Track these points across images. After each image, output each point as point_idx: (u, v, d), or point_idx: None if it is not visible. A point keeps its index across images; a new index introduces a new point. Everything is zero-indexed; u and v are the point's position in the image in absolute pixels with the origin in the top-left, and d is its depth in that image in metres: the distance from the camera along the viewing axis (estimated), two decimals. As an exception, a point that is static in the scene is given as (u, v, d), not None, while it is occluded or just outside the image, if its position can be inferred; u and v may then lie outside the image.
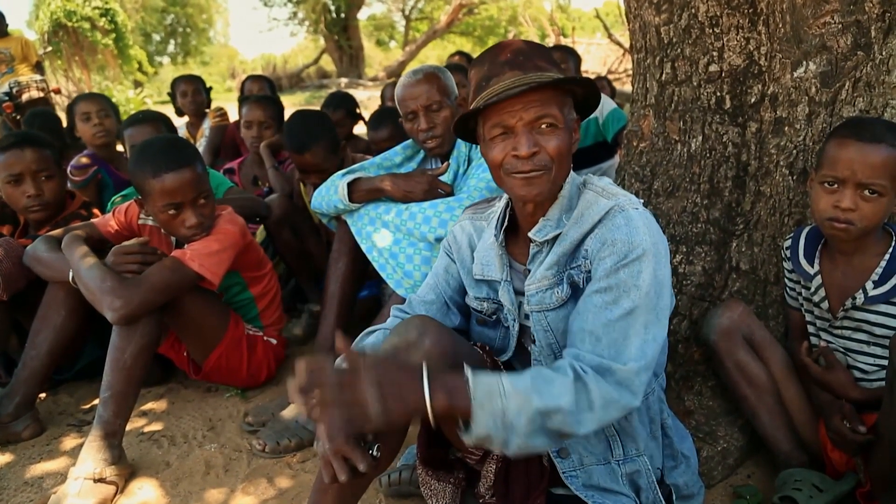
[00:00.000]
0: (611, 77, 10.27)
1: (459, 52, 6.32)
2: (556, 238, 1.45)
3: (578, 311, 1.35)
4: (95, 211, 2.78)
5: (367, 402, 1.15)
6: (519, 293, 1.53)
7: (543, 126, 1.36)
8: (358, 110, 4.29)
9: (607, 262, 1.33)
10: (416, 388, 1.17)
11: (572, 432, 1.24)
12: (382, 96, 4.90)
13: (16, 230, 2.77)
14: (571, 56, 4.06)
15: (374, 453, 1.29)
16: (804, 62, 1.87)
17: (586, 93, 1.45)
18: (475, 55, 6.14)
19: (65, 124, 4.04)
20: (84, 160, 3.51)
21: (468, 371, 1.21)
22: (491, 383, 1.20)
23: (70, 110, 3.71)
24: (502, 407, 1.18)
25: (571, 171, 1.48)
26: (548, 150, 1.37)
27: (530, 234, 1.47)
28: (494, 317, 1.60)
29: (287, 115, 3.72)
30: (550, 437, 1.24)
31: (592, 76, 10.78)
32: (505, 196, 1.57)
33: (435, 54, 28.70)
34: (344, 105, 4.17)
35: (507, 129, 1.38)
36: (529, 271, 1.50)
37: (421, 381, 1.17)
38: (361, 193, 2.38)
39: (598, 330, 1.29)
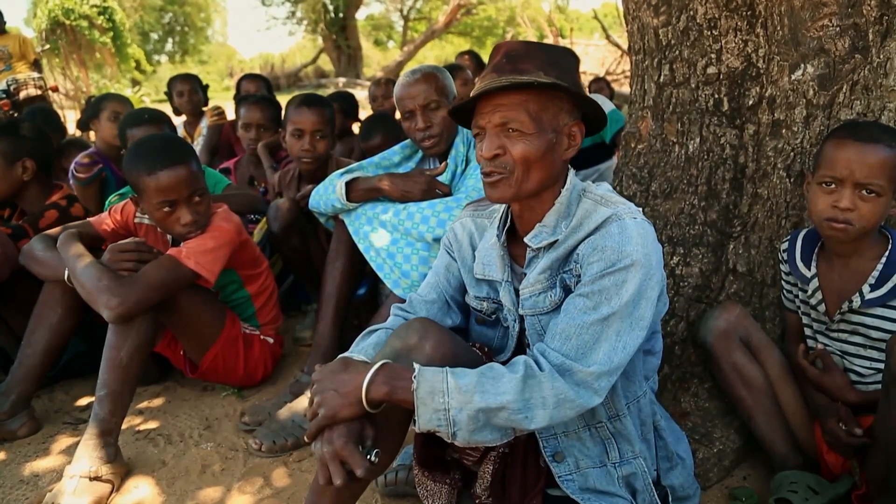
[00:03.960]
0: (609, 78, 10.28)
1: (468, 52, 6.30)
2: (551, 244, 1.45)
3: (560, 310, 1.39)
4: (77, 205, 2.76)
5: (315, 412, 1.30)
6: (518, 293, 1.53)
7: (510, 130, 1.38)
8: (358, 111, 4.32)
9: (594, 268, 1.34)
10: (357, 382, 1.28)
11: (523, 427, 1.30)
12: (370, 93, 4.89)
13: (13, 213, 2.77)
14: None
15: (373, 459, 1.29)
16: (802, 65, 1.87)
17: (575, 97, 1.43)
18: (480, 55, 6.16)
19: (65, 121, 4.05)
20: (86, 158, 3.51)
21: (417, 368, 1.28)
22: (435, 380, 1.27)
23: (97, 107, 3.74)
24: (444, 405, 1.26)
25: (572, 179, 1.47)
26: (512, 154, 1.38)
27: (526, 240, 1.47)
28: (494, 316, 1.60)
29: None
30: (500, 431, 1.30)
31: (590, 77, 10.80)
32: None
33: (433, 55, 28.72)
34: (340, 101, 4.20)
35: (481, 130, 1.42)
36: (525, 275, 1.50)
37: (366, 374, 1.28)
38: (359, 193, 2.38)
39: (569, 330, 1.33)
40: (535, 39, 16.11)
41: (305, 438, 1.34)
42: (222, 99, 12.51)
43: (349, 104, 4.38)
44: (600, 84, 6.43)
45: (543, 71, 1.37)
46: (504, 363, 1.55)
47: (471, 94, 1.42)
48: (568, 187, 1.46)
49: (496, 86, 1.35)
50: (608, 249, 1.33)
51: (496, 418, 1.27)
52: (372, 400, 1.28)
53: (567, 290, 1.42)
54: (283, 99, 4.61)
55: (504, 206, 1.56)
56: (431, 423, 1.27)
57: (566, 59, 1.45)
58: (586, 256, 1.37)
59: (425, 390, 1.26)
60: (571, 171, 1.49)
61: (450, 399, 1.25)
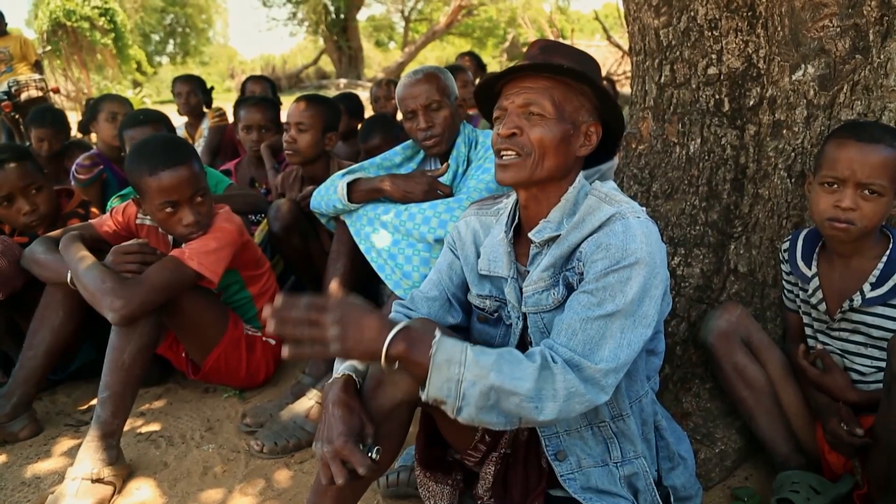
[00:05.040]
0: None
1: (468, 53, 6.32)
2: (554, 240, 1.45)
3: (564, 307, 1.39)
4: (94, 210, 2.77)
5: (327, 339, 1.21)
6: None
7: (531, 113, 1.41)
8: (363, 112, 4.34)
9: (598, 266, 1.34)
10: (379, 332, 1.23)
11: (531, 418, 1.27)
12: (372, 94, 4.89)
13: (15, 228, 2.76)
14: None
15: (374, 456, 1.29)
16: (802, 65, 1.87)
17: (599, 97, 1.46)
18: (481, 56, 6.15)
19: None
20: (87, 160, 3.51)
21: (438, 333, 1.26)
22: (454, 350, 1.24)
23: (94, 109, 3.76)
24: (458, 375, 1.23)
25: (580, 178, 1.49)
26: (529, 136, 1.40)
27: (529, 235, 1.48)
28: (496, 314, 1.60)
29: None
30: (506, 417, 1.27)
31: (591, 78, 10.77)
32: (514, 193, 1.57)
33: (434, 55, 28.73)
34: (345, 102, 4.21)
35: (503, 112, 1.45)
36: (528, 272, 1.50)
37: (390, 329, 1.24)
38: (361, 194, 2.38)
39: (575, 325, 1.32)
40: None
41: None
42: (223, 100, 12.52)
43: (354, 105, 4.39)
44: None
45: (579, 67, 1.42)
46: None
47: (498, 72, 1.48)
48: (576, 185, 1.47)
49: (526, 64, 1.40)
50: (612, 247, 1.33)
51: (507, 402, 1.25)
52: (389, 355, 1.24)
53: (570, 288, 1.42)
54: (285, 100, 4.61)
55: (512, 203, 1.57)
56: (441, 392, 1.24)
57: (593, 65, 1.52)
58: (590, 254, 1.37)
59: (442, 357, 1.23)
60: (581, 173, 1.50)
61: (465, 370, 1.23)
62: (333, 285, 2.48)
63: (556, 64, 1.39)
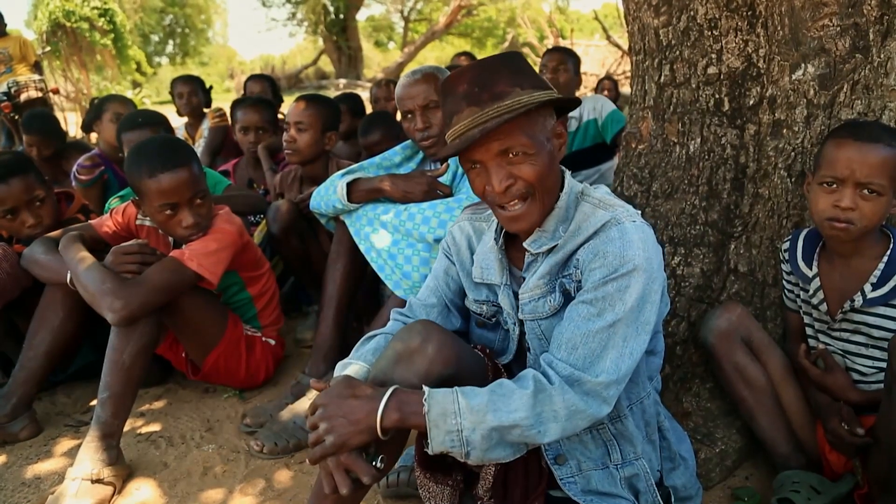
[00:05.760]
0: (609, 79, 10.25)
1: (465, 53, 6.32)
2: (551, 249, 1.44)
3: (563, 318, 1.37)
4: (94, 216, 2.77)
5: (322, 437, 1.26)
6: (518, 297, 1.53)
7: (513, 156, 1.35)
8: (365, 111, 4.34)
9: (597, 274, 1.33)
10: (369, 409, 1.25)
11: (536, 442, 1.29)
12: (371, 95, 4.88)
13: (13, 236, 2.75)
14: (570, 57, 4.07)
15: (378, 465, 1.29)
16: (802, 65, 1.87)
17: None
18: (478, 56, 6.17)
19: (65, 123, 4.07)
20: (88, 161, 3.51)
21: (426, 391, 1.26)
22: (446, 402, 1.25)
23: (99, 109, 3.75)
24: (457, 426, 1.24)
25: (569, 181, 1.46)
26: (524, 178, 1.36)
27: (525, 245, 1.46)
28: (494, 319, 1.60)
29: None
30: (513, 447, 1.30)
31: (592, 78, 10.79)
32: None
33: (433, 55, 28.73)
34: (348, 101, 4.21)
35: (478, 164, 1.38)
36: (524, 279, 1.50)
37: (378, 402, 1.25)
38: (360, 194, 2.37)
39: (576, 339, 1.31)
40: (535, 41, 16.12)
41: (308, 462, 1.33)
42: (223, 100, 12.51)
43: (357, 105, 4.39)
44: (607, 83, 6.44)
45: (519, 86, 1.33)
46: (506, 366, 1.55)
47: (459, 138, 1.35)
48: (566, 191, 1.45)
49: (496, 124, 1.30)
50: (610, 255, 1.32)
51: (509, 435, 1.26)
52: (385, 428, 1.26)
53: (566, 295, 1.42)
54: (285, 100, 4.60)
55: None
56: (445, 445, 1.26)
57: (523, 63, 1.40)
58: (587, 262, 1.36)
59: (437, 413, 1.24)
60: (567, 174, 1.48)
61: (462, 420, 1.24)
62: (331, 287, 2.47)
63: (517, 109, 1.30)
